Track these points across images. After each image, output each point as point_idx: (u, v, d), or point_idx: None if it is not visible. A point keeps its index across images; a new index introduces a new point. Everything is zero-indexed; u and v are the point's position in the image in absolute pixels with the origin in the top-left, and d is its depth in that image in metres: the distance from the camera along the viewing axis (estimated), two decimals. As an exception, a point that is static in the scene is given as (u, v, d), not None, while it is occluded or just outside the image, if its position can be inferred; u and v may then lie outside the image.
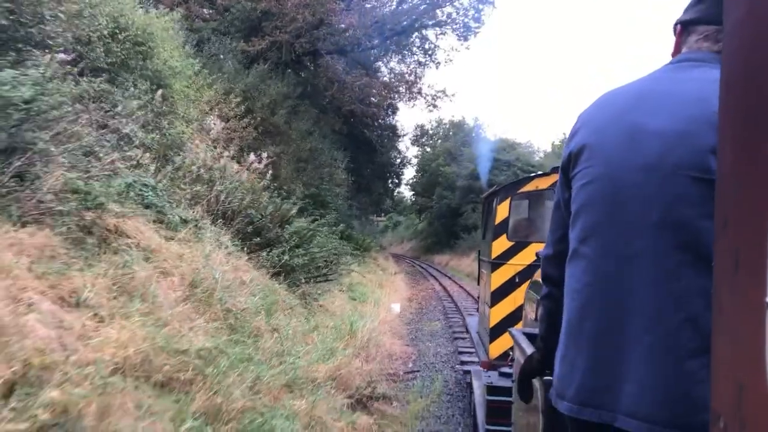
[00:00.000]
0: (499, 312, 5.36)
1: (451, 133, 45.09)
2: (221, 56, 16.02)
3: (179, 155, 7.13)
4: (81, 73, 6.89)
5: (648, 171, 1.22)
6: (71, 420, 2.32)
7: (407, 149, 43.27)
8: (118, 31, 8.33)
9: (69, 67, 6.72)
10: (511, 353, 3.89)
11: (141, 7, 8.74)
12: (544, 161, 32.11)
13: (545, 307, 1.55)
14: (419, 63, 21.70)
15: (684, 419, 1.10)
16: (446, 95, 21.32)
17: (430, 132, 49.77)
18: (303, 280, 6.82)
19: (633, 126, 1.27)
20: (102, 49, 7.88)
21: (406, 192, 52.86)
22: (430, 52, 21.31)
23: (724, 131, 0.59)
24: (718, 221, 0.60)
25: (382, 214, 51.59)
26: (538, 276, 2.01)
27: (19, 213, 3.52)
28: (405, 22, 19.42)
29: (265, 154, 9.50)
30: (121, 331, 3.11)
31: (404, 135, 34.79)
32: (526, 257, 5.35)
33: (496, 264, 5.44)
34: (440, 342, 9.12)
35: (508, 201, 5.48)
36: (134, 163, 6.36)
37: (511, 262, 5.40)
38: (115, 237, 4.48)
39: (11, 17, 4.95)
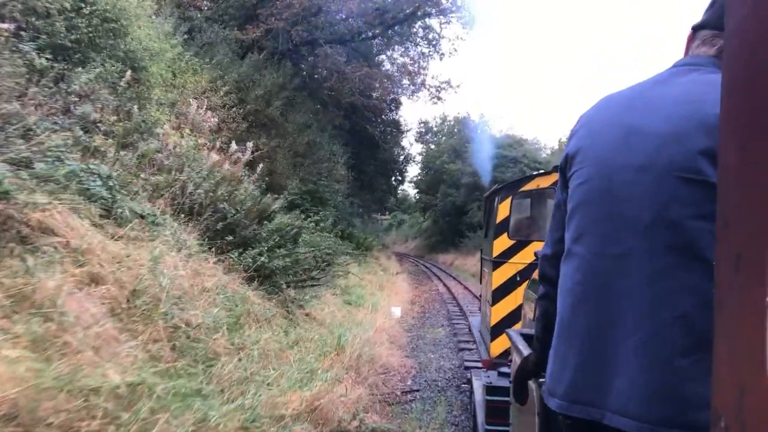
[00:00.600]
0: (500, 310, 5.37)
1: (456, 129, 44.21)
2: (214, 45, 15.21)
3: (145, 141, 6.22)
4: (39, 50, 6.04)
5: (640, 171, 1.23)
6: None
7: (411, 145, 42.50)
8: (83, 5, 7.45)
9: (15, 39, 5.84)
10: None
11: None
12: (551, 158, 31.32)
13: (542, 308, 1.55)
14: (423, 54, 20.72)
15: (674, 417, 1.10)
16: (451, 86, 20.32)
17: (435, 129, 49.02)
18: (284, 285, 5.89)
19: (628, 127, 1.28)
20: (62, 24, 7.00)
21: (410, 190, 52.14)
22: (434, 43, 20.33)
23: (725, 132, 0.59)
24: (719, 222, 0.59)
25: (387, 213, 50.85)
26: (536, 275, 1.89)
27: None
28: (407, 10, 18.45)
29: (250, 143, 8.56)
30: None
31: (408, 130, 33.87)
32: (527, 256, 5.32)
33: (498, 262, 5.42)
34: (444, 353, 8.16)
35: (509, 200, 5.45)
36: (87, 147, 5.48)
37: (512, 260, 5.40)
38: (38, 234, 3.58)
39: None
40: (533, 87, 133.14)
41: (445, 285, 18.58)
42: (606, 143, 1.31)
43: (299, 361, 4.58)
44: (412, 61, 20.65)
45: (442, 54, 20.24)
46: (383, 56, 23.53)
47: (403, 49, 22.62)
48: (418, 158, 45.29)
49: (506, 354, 4.93)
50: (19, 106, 5.01)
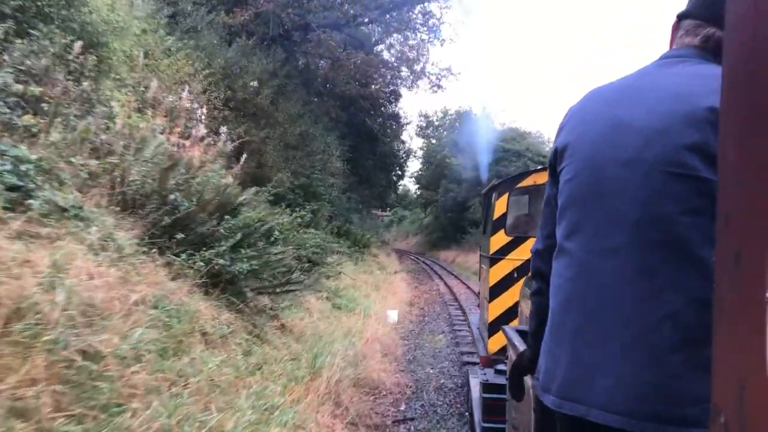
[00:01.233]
0: (498, 307, 5.35)
1: (457, 124, 43.25)
2: (199, 29, 14.32)
3: (85, 120, 5.20)
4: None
5: (628, 166, 1.21)
6: None
7: (411, 139, 41.57)
8: (26, -33, 6.44)
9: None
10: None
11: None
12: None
13: (535, 304, 1.54)
14: (422, 41, 19.64)
15: (663, 413, 1.10)
16: (452, 73, 19.26)
17: (436, 123, 48.10)
18: (251, 292, 4.85)
19: (615, 121, 1.27)
20: (1, -13, 6.01)
21: (410, 185, 51.24)
22: (434, 29, 19.25)
23: (725, 127, 0.59)
24: (719, 217, 0.58)
25: (387, 209, 50.00)
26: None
27: None
28: (406, -7, 17.38)
29: (224, 128, 7.54)
30: None
31: (408, 123, 32.85)
32: (524, 252, 5.29)
33: (495, 259, 5.41)
34: (444, 368, 7.10)
35: (506, 196, 5.44)
36: (11, 125, 4.50)
37: (509, 257, 5.38)
38: None
39: None
40: (534, 79, 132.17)
41: (446, 284, 17.55)
42: (594, 138, 1.30)
43: (257, 394, 3.55)
44: (411, 49, 19.57)
45: (443, 40, 19.18)
46: (381, 46, 22.55)
47: (402, 39, 21.63)
48: (419, 153, 44.46)
49: (504, 350, 4.78)
50: None
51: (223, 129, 7.57)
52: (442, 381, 6.45)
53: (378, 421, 4.83)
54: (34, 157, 4.16)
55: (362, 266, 15.96)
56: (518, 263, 5.31)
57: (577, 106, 1.40)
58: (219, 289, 4.71)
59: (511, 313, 5.14)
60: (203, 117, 9.93)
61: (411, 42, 20.29)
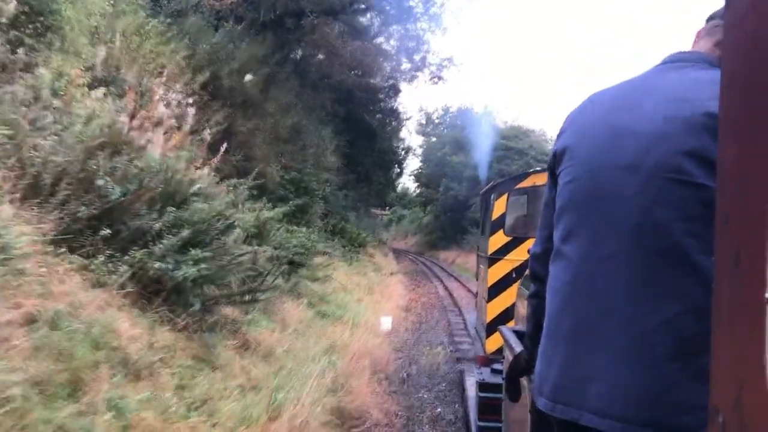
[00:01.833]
0: (496, 307, 5.38)
1: (458, 121, 42.30)
2: (184, 12, 13.44)
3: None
4: None
5: (627, 172, 1.20)
6: None
7: (410, 134, 40.65)
8: None
9: None
10: None
11: None
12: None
13: (532, 306, 1.54)
14: (423, 30, 18.68)
15: (660, 420, 1.08)
16: (453, 64, 18.31)
17: (436, 120, 47.15)
18: (199, 303, 3.86)
19: (615, 125, 1.26)
20: None
21: (410, 184, 50.32)
22: (435, 17, 18.28)
23: (724, 126, 0.59)
24: (718, 217, 0.59)
25: (387, 208, 49.11)
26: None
27: None
28: (406, -22, 16.40)
29: (192, 109, 6.55)
30: None
31: (407, 119, 31.89)
32: (523, 253, 5.16)
33: (493, 259, 5.45)
34: (441, 392, 6.08)
35: (505, 196, 5.49)
36: None
37: (508, 257, 5.42)
38: None
39: None
40: (535, 68, 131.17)
41: (445, 287, 16.55)
42: (593, 142, 1.29)
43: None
44: (410, 39, 18.60)
45: (444, 28, 18.20)
46: (381, 38, 21.62)
47: (402, 30, 20.69)
48: (419, 151, 43.51)
49: (501, 351, 4.89)
50: None
51: (191, 111, 6.57)
52: (438, 410, 5.43)
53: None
54: None
55: (356, 267, 15.00)
56: (517, 264, 5.34)
57: (576, 111, 1.39)
58: (164, 299, 3.74)
59: (509, 313, 5.14)
60: (179, 103, 8.97)
61: (411, 33, 19.37)
